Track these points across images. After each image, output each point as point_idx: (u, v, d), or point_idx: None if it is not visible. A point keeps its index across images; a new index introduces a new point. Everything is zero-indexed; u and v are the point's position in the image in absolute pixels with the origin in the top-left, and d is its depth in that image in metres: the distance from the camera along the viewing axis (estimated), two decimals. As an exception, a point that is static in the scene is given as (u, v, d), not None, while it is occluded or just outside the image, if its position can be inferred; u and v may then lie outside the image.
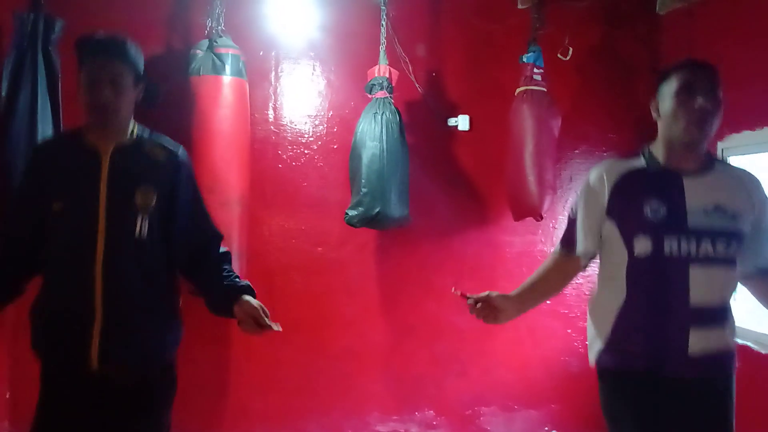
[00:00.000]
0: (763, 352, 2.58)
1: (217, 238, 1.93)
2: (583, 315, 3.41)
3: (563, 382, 3.40)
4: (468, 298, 1.86)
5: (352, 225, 2.96)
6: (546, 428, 3.41)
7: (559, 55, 3.11)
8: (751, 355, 2.60)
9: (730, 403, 1.73)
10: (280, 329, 1.75)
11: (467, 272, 3.38)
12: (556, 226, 3.42)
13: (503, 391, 3.39)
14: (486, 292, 1.86)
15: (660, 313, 1.67)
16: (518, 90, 3.00)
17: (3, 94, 2.62)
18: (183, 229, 1.83)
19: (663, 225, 1.66)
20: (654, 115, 1.79)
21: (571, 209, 1.88)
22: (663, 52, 3.46)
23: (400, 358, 3.36)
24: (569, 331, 3.42)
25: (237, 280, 1.86)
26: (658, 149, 1.78)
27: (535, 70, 2.97)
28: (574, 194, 3.40)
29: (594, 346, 1.82)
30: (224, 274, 1.86)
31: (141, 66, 1.80)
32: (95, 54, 1.72)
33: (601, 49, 3.44)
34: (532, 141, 2.92)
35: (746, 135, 2.75)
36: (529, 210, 2.99)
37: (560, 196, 3.38)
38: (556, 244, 1.94)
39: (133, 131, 1.82)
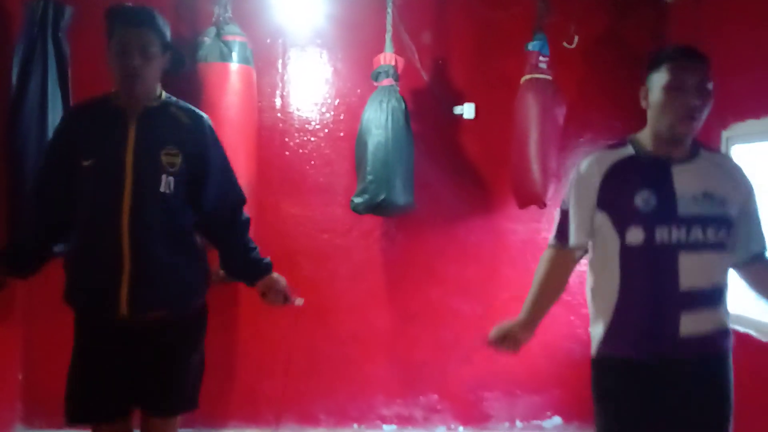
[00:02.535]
0: (764, 340, 2.60)
1: (242, 201, 2.05)
2: (586, 302, 3.43)
3: (565, 368, 3.43)
4: (491, 343, 1.93)
5: (357, 212, 2.99)
6: (548, 413, 3.45)
7: (564, 44, 3.11)
8: (752, 343, 2.62)
9: (727, 380, 1.74)
10: (302, 302, 1.97)
11: (471, 259, 3.41)
12: (560, 214, 3.44)
13: (506, 377, 3.43)
14: (502, 329, 1.91)
15: (651, 299, 1.69)
16: (524, 78, 3.01)
17: (14, 81, 2.67)
18: (210, 191, 1.93)
19: (654, 215, 1.67)
20: (643, 103, 1.79)
21: (563, 201, 1.87)
22: (669, 39, 3.44)
23: (405, 343, 3.41)
24: (572, 317, 3.45)
25: (259, 254, 2.03)
26: (645, 137, 1.78)
27: (541, 58, 2.96)
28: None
29: (592, 336, 1.83)
30: (250, 245, 2.02)
31: (168, 35, 1.89)
32: (126, 23, 1.80)
33: (606, 37, 3.43)
34: (537, 129, 2.92)
35: (750, 124, 2.75)
36: (533, 198, 3.01)
37: (564, 184, 3.39)
38: (550, 241, 1.93)
39: (160, 96, 1.90)
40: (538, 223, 3.44)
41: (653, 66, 1.75)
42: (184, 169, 1.84)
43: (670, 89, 1.68)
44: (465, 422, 3.43)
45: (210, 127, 1.96)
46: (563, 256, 1.88)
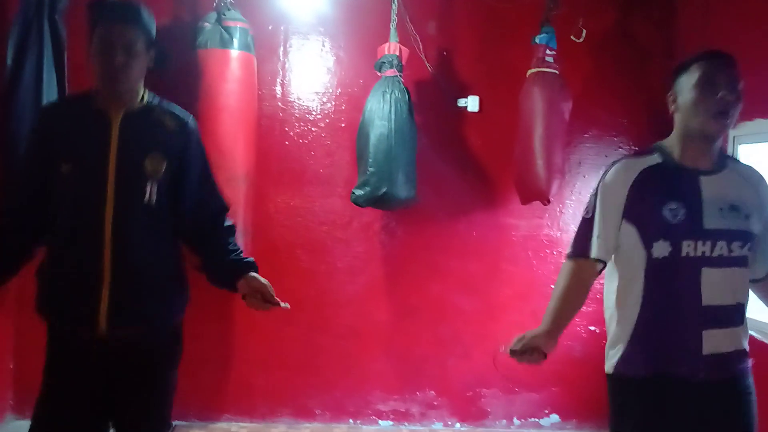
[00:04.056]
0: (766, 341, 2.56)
1: (224, 209, 1.93)
2: (587, 301, 3.39)
3: (564, 366, 3.40)
4: (512, 353, 1.74)
5: (358, 204, 2.94)
6: (546, 411, 3.42)
7: (572, 37, 3.05)
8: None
9: (750, 403, 1.70)
10: (288, 307, 1.78)
11: (472, 255, 3.37)
12: (563, 211, 3.40)
13: (505, 374, 3.40)
14: (525, 340, 1.72)
15: (674, 315, 1.66)
16: (530, 71, 2.95)
17: (9, 62, 2.60)
18: (191, 198, 1.83)
19: (681, 228, 1.64)
20: (671, 108, 1.75)
21: (586, 210, 1.81)
22: (677, 36, 3.40)
23: (403, 338, 3.37)
24: (572, 315, 3.41)
25: (242, 255, 1.88)
26: (672, 144, 1.75)
27: (548, 51, 2.91)
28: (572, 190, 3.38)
29: (609, 352, 1.77)
30: (230, 247, 1.87)
31: (153, 31, 1.78)
32: (108, 19, 1.70)
33: (614, 32, 3.38)
34: (542, 124, 2.87)
35: (759, 123, 2.71)
36: (536, 194, 2.96)
37: (568, 180, 3.35)
38: (568, 252, 1.84)
39: (143, 97, 1.80)
40: (541, 219, 3.39)
41: (682, 69, 1.72)
42: (168, 175, 1.75)
43: (701, 86, 1.65)
44: (462, 419, 3.39)
45: (195, 130, 1.87)
46: (584, 267, 1.78)
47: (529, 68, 2.96)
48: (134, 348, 1.74)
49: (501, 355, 1.78)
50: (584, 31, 3.05)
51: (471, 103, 3.30)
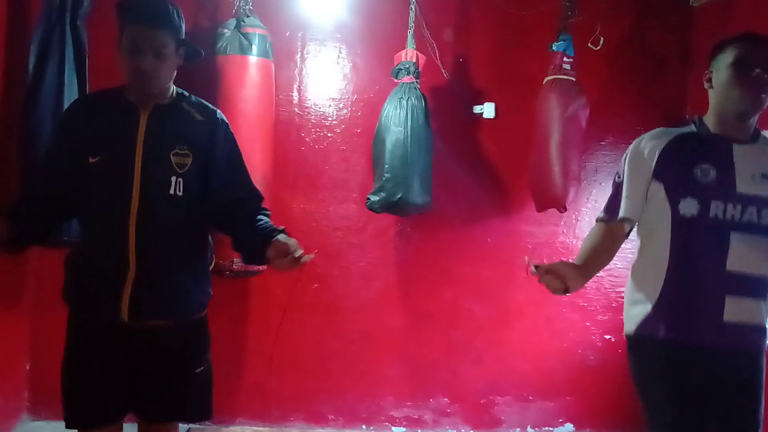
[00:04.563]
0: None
1: (256, 197, 1.91)
2: (603, 309, 3.40)
3: (579, 375, 3.39)
4: (535, 267, 1.71)
5: (373, 210, 2.94)
6: (560, 420, 3.40)
7: (589, 45, 3.06)
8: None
9: (760, 378, 1.75)
10: (312, 257, 1.70)
11: (487, 261, 3.36)
12: (579, 218, 3.39)
13: (518, 381, 3.39)
14: (557, 262, 1.73)
15: (697, 278, 1.69)
16: (547, 79, 2.95)
17: (30, 67, 2.63)
18: (221, 188, 1.82)
19: (711, 188, 1.69)
20: (706, 85, 1.81)
21: (617, 174, 1.87)
22: (694, 44, 3.39)
23: (416, 344, 3.36)
24: (587, 324, 3.39)
25: (269, 225, 1.82)
26: (708, 119, 1.81)
27: (565, 59, 2.91)
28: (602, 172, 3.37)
29: (631, 314, 1.81)
30: (257, 222, 1.82)
31: (183, 30, 1.78)
32: (138, 20, 1.69)
33: (631, 40, 3.37)
34: (559, 131, 2.87)
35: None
36: (552, 201, 2.95)
37: (584, 188, 3.34)
38: (598, 215, 1.91)
39: (173, 93, 1.82)
40: (557, 227, 3.38)
41: (719, 50, 1.78)
42: (194, 169, 1.75)
43: (737, 66, 1.70)
44: (475, 426, 3.38)
45: (223, 121, 1.86)
46: (611, 229, 1.85)
47: (546, 75, 2.96)
48: (156, 336, 1.75)
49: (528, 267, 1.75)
50: (601, 38, 3.05)
51: (487, 110, 3.30)
